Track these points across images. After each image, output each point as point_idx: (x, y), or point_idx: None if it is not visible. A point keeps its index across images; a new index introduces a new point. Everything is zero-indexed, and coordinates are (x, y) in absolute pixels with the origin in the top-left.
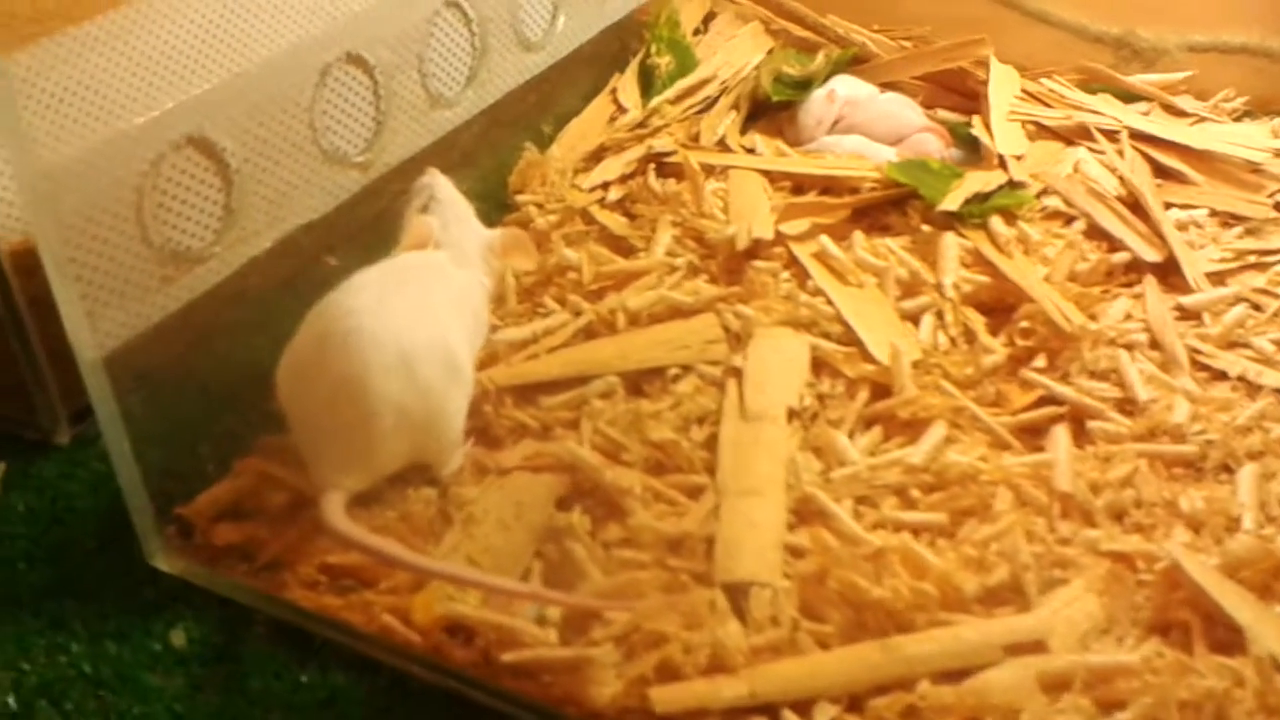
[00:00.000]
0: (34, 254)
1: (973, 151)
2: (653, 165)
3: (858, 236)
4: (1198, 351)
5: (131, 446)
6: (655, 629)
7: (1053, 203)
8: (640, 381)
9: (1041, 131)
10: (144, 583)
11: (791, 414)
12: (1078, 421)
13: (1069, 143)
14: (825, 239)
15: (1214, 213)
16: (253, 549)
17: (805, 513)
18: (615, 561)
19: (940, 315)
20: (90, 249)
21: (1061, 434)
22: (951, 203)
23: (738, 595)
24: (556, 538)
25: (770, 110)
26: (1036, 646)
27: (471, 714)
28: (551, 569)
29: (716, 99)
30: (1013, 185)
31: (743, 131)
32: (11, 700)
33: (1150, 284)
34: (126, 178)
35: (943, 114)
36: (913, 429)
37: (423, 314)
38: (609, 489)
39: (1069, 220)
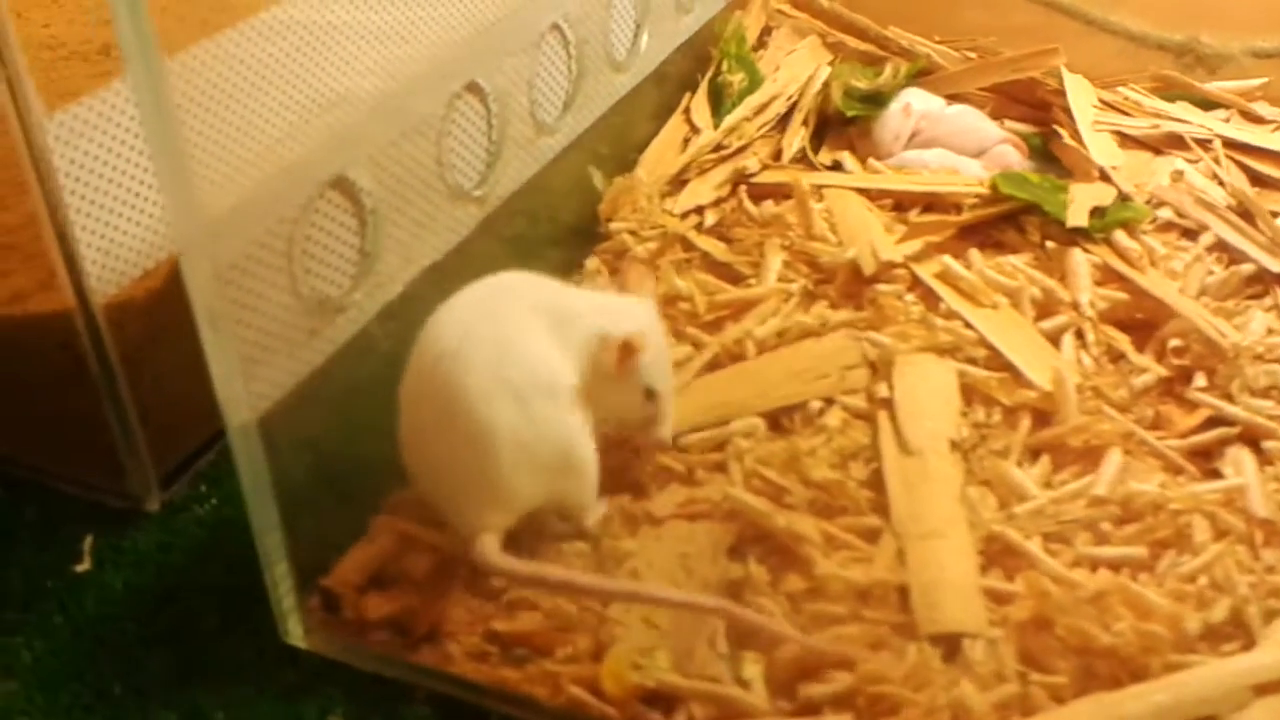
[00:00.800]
0: (128, 308)
1: (1047, 164)
2: (743, 186)
3: (975, 255)
4: None
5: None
6: (880, 690)
7: (1164, 214)
8: (779, 417)
9: (1127, 141)
10: (282, 663)
11: (952, 446)
12: (1251, 443)
13: (1157, 152)
14: (948, 259)
15: None
16: (406, 619)
17: (993, 553)
18: (806, 616)
19: (1080, 335)
20: (243, 302)
21: (1245, 457)
22: (1079, 218)
23: (946, 648)
24: (735, 592)
25: (836, 125)
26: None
27: None
28: (737, 628)
29: (787, 115)
30: (1122, 198)
31: (814, 150)
32: None
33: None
34: (280, 223)
35: (1011, 125)
36: (1084, 458)
37: (517, 339)
38: (782, 536)
39: (1184, 233)
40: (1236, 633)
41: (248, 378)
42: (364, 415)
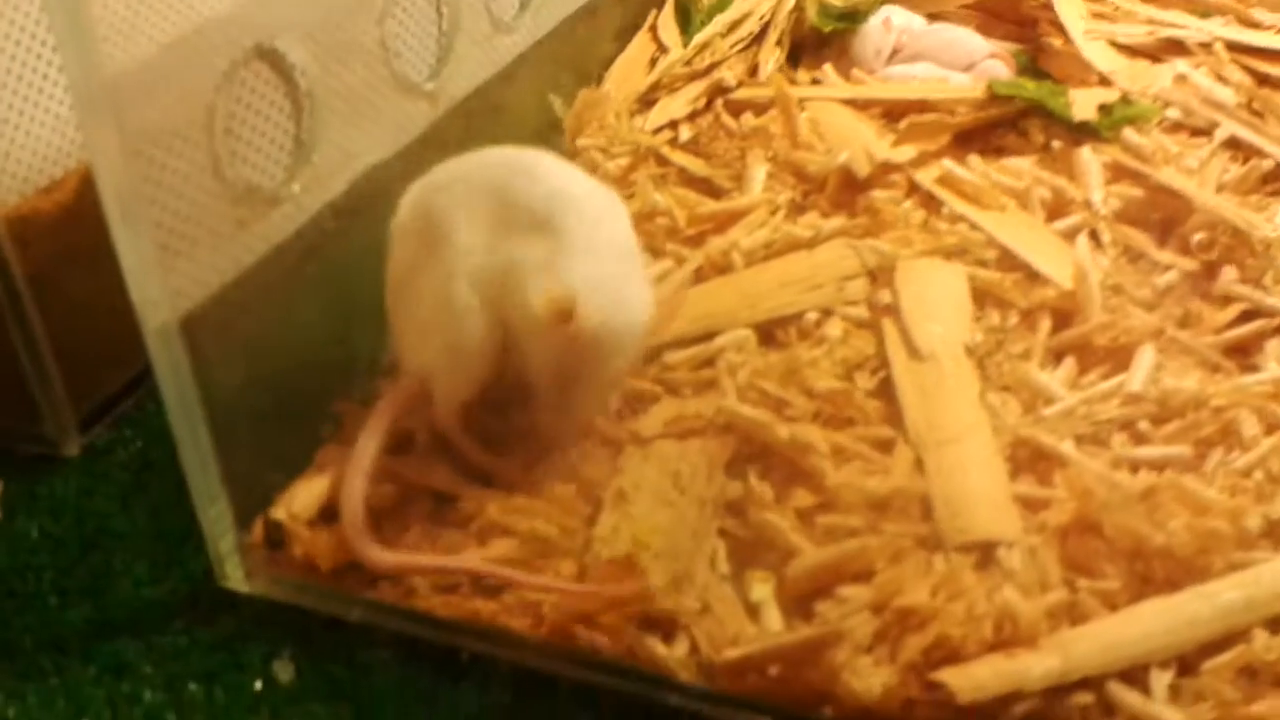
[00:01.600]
0: (33, 223)
1: (1038, 80)
2: (721, 101)
3: (975, 161)
4: None
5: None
6: (906, 603)
7: (1171, 115)
8: (772, 330)
9: (1123, 50)
10: (220, 610)
11: (967, 351)
12: None
13: (1156, 59)
14: (948, 162)
15: None
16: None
17: (1022, 459)
18: (819, 530)
19: (1095, 236)
20: (157, 180)
21: None
22: (1086, 112)
23: (978, 558)
24: (738, 511)
25: (812, 47)
26: None
27: None
28: (743, 547)
29: (761, 34)
30: (1126, 100)
31: (790, 70)
32: None
33: None
34: (198, 91)
35: (996, 44)
36: (1112, 358)
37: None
38: (785, 449)
39: (1193, 133)
40: None
41: (165, 270)
42: (307, 325)
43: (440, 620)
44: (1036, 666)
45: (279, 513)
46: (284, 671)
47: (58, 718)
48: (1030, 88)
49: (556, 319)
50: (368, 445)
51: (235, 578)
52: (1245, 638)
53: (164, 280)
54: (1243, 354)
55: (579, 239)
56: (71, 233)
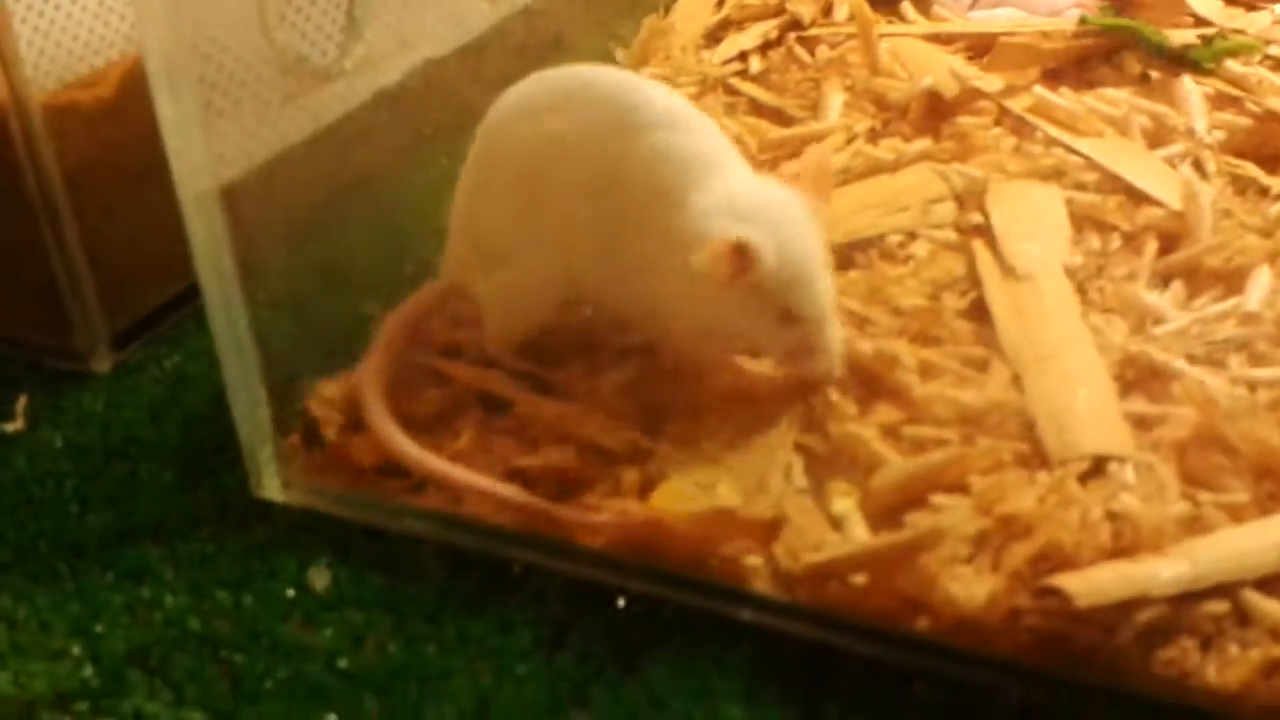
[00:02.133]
0: (73, 114)
1: None
2: (793, 36)
3: (1067, 92)
4: None
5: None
6: (1009, 511)
7: (1276, 53)
8: (851, 254)
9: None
10: (253, 519)
11: (1067, 273)
12: None
13: (1253, 8)
14: (1040, 89)
15: None
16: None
17: (1131, 380)
18: (907, 444)
19: (1199, 165)
20: (201, 33)
21: None
22: (1184, 39)
23: (1088, 474)
24: (816, 426)
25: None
26: None
27: (764, 645)
28: (822, 462)
29: None
30: (1224, 36)
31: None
32: (90, 672)
33: None
34: None
35: None
36: (1224, 281)
37: None
38: (869, 363)
39: None
40: None
41: (207, 131)
42: (354, 216)
43: (490, 529)
44: (1165, 571)
45: (317, 408)
46: (320, 579)
47: (70, 620)
48: (1124, 20)
49: (741, 265)
50: (389, 337)
51: (271, 486)
52: None
53: (205, 142)
54: None
55: (721, 160)
56: (114, 130)
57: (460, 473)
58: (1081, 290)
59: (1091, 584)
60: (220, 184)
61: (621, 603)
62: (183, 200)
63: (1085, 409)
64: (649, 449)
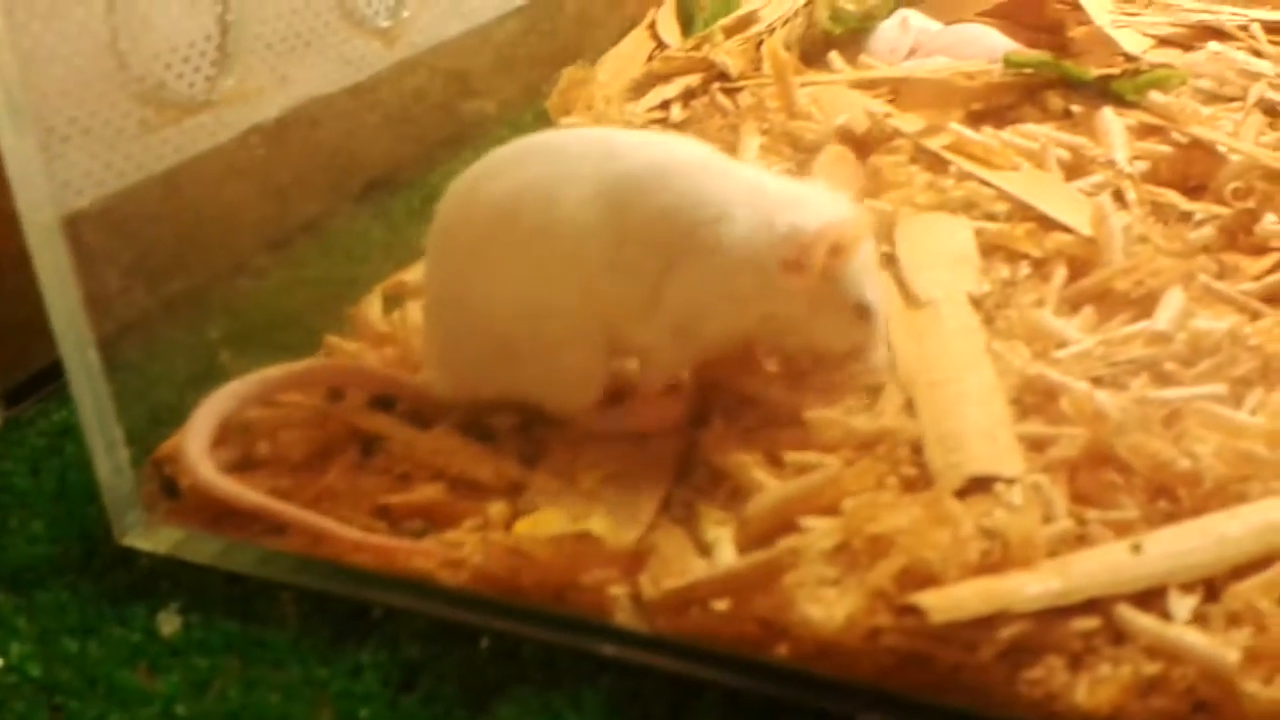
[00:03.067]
0: None
1: None
2: (717, 86)
3: (988, 130)
4: None
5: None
6: (877, 531)
7: (1205, 85)
8: None
9: (1154, 40)
10: (114, 567)
11: (972, 301)
12: None
13: (1188, 49)
14: (956, 125)
15: None
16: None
17: (1030, 403)
18: (791, 470)
19: (1120, 196)
20: (47, 66)
21: None
22: (1106, 70)
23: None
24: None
25: (822, 50)
26: None
27: (625, 680)
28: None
29: (767, 36)
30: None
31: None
32: None
33: None
34: None
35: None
36: (1136, 306)
37: None
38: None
39: (1227, 101)
40: None
41: (52, 158)
42: (217, 249)
43: (349, 571)
44: (1031, 586)
45: (167, 452)
46: (168, 624)
47: None
48: (1048, 59)
49: (837, 253)
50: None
51: (134, 533)
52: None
53: (49, 172)
54: None
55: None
56: None
57: (281, 507)
58: (989, 317)
59: (951, 600)
60: (67, 213)
61: (484, 643)
62: (27, 230)
63: (974, 431)
64: (523, 481)
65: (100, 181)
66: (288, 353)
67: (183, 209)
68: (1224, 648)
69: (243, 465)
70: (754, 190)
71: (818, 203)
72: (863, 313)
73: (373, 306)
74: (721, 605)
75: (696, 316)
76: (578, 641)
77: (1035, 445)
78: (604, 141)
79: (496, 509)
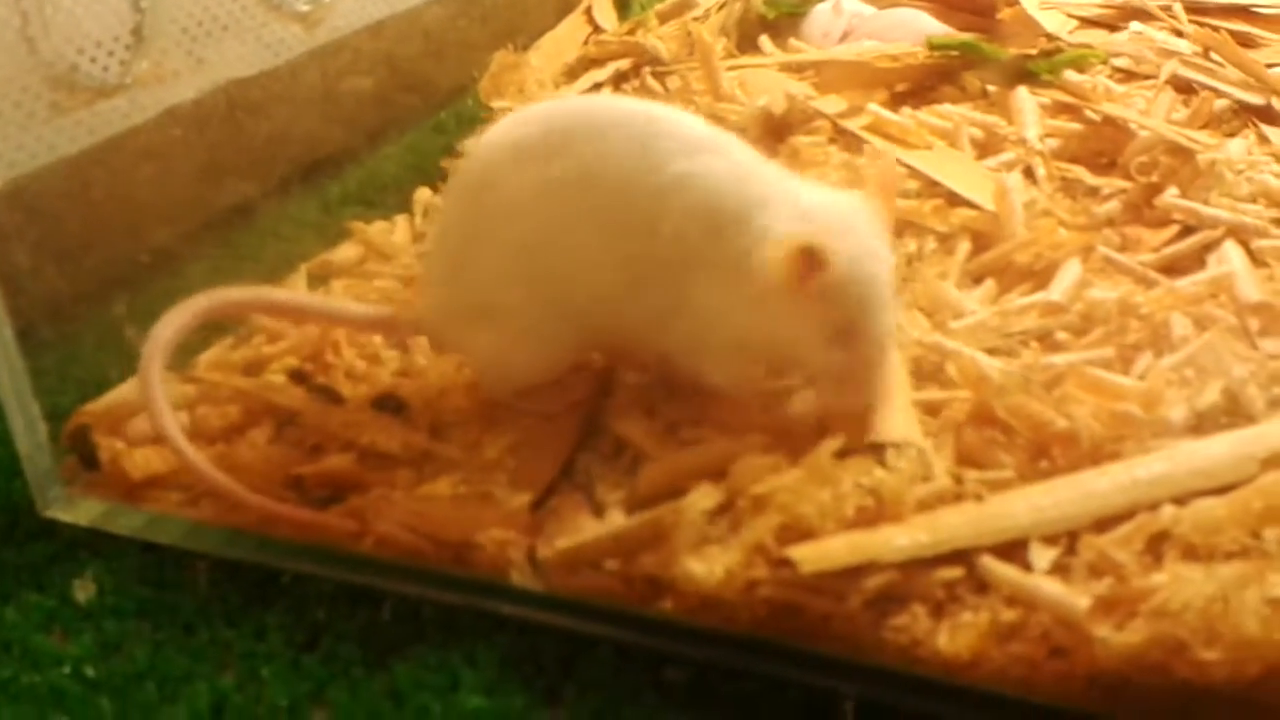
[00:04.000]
0: None
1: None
2: (647, 70)
3: (907, 111)
4: None
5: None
6: (759, 491)
7: (1123, 64)
8: None
9: (1081, 21)
10: (35, 538)
11: None
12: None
13: (1114, 29)
14: (875, 106)
15: None
16: (186, 477)
17: (926, 372)
18: (680, 442)
19: (1030, 172)
20: None
21: (1232, 248)
22: (1021, 50)
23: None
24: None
25: (758, 35)
26: None
27: (521, 638)
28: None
29: (703, 20)
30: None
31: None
32: None
33: (1264, 126)
34: None
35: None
36: (1036, 277)
37: None
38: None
39: (1144, 79)
40: (1236, 422)
41: None
42: (133, 229)
43: (259, 538)
44: (899, 539)
45: (85, 419)
46: (83, 591)
47: None
48: (969, 41)
49: (800, 269)
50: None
51: (56, 506)
52: (1152, 512)
53: None
54: (1180, 272)
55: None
56: None
57: (211, 473)
58: (896, 290)
59: (821, 553)
60: None
61: (387, 605)
62: None
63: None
64: (431, 451)
65: (12, 163)
66: (205, 330)
67: (96, 190)
68: (1075, 595)
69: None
70: (780, 198)
71: (824, 212)
72: (844, 338)
73: (298, 286)
74: (612, 564)
75: (708, 327)
76: (476, 602)
77: (929, 410)
78: (650, 135)
79: (404, 477)
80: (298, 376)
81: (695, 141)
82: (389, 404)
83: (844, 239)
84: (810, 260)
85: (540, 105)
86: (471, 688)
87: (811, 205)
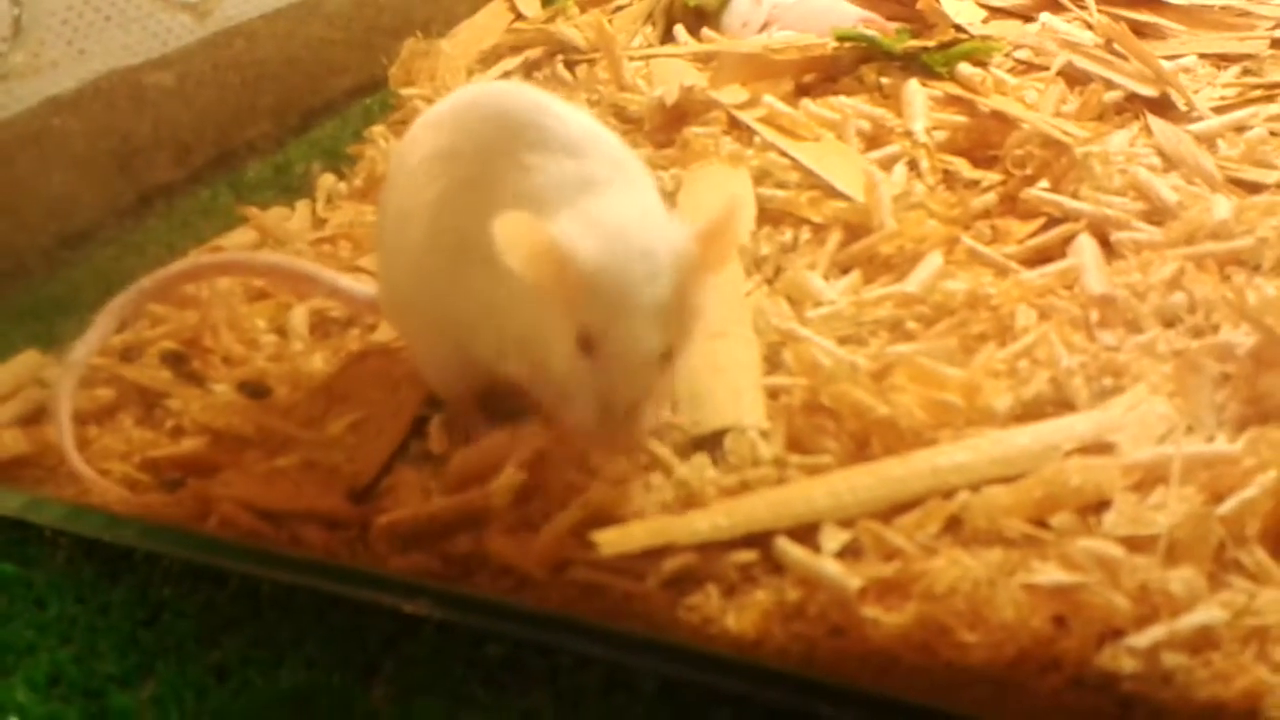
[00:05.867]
0: None
1: None
2: (560, 58)
3: (806, 103)
4: (1222, 168)
5: None
6: (571, 480)
7: (1024, 56)
8: None
9: (996, 12)
10: None
11: (751, 263)
12: (1099, 239)
13: (1028, 20)
14: (770, 98)
15: (1204, 56)
16: (48, 455)
17: (781, 360)
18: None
19: (914, 164)
20: None
21: (1086, 240)
22: (910, 43)
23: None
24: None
25: (687, 24)
26: (1106, 449)
27: (348, 613)
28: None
29: (625, 7)
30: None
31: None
32: None
33: (1150, 117)
34: None
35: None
36: (900, 269)
37: None
38: None
39: (1043, 71)
40: (1060, 412)
41: None
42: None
43: (111, 516)
44: (699, 522)
45: None
46: None
47: None
48: (864, 33)
49: (545, 266)
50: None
51: None
52: (946, 498)
53: None
54: (1044, 262)
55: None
56: None
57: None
58: (768, 278)
59: (623, 536)
60: None
61: (231, 584)
62: None
63: (724, 387)
64: (283, 432)
65: None
66: (83, 317)
67: None
68: (849, 577)
69: (35, 418)
70: (585, 207)
71: (608, 221)
72: (586, 347)
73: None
74: (434, 544)
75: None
76: (310, 581)
77: (773, 395)
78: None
79: (252, 457)
80: (169, 359)
81: (550, 141)
82: (252, 388)
83: (601, 244)
84: (553, 258)
85: (465, 89)
86: (294, 664)
87: (605, 215)
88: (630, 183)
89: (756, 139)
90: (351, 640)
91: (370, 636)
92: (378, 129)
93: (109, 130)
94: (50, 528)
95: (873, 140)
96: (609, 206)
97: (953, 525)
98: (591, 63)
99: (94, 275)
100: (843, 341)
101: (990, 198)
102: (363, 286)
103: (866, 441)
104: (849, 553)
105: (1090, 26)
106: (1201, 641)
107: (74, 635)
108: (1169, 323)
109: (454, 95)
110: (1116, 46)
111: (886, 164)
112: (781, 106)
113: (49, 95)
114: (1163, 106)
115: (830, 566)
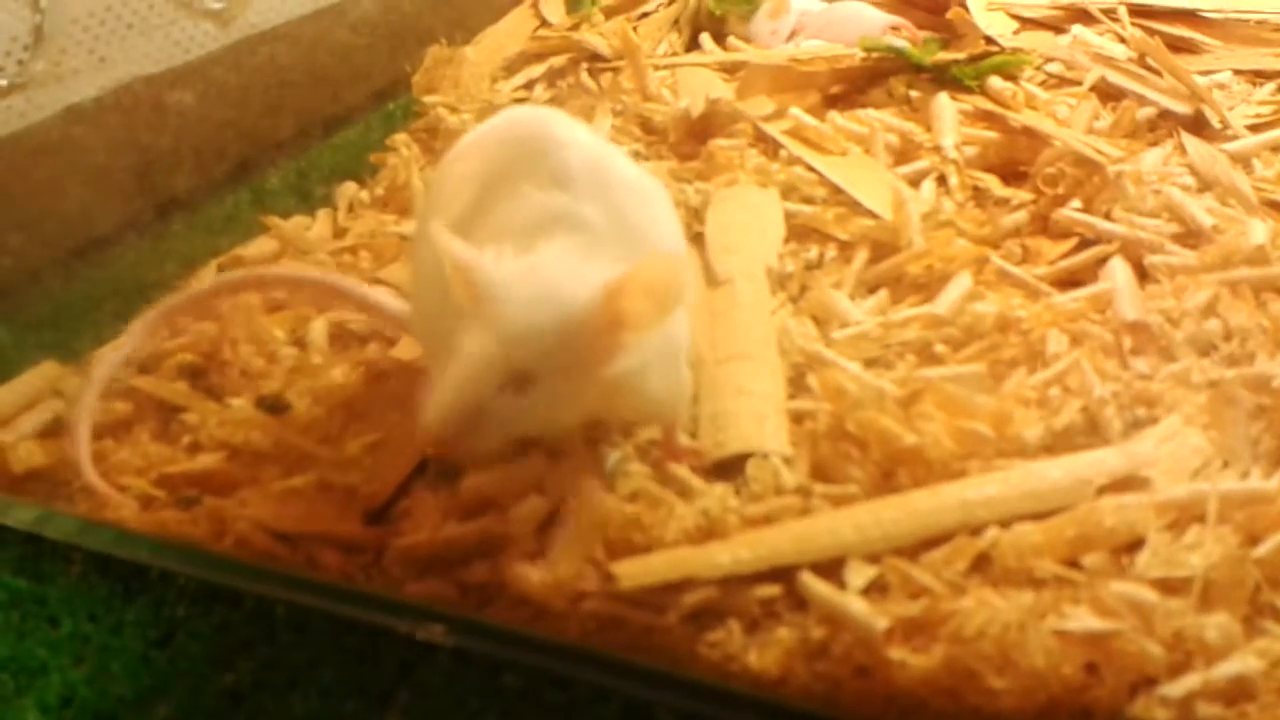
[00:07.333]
0: None
1: None
2: (585, 66)
3: (834, 115)
4: (1258, 190)
5: None
6: (592, 506)
7: (1055, 70)
8: None
9: (1027, 23)
10: None
11: (776, 281)
12: (1132, 262)
13: (1059, 31)
14: (797, 110)
15: (1239, 72)
16: (65, 471)
17: (806, 383)
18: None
19: (943, 180)
20: None
21: (1119, 264)
22: (939, 56)
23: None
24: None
25: (714, 33)
26: (1139, 484)
27: (364, 638)
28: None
29: (651, 14)
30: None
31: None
32: None
33: (1184, 135)
34: None
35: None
36: (928, 289)
37: None
38: None
39: (1076, 85)
40: (1091, 443)
41: None
42: (27, 226)
43: (128, 533)
44: (721, 555)
45: None
46: None
47: None
48: (897, 44)
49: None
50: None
51: None
52: (975, 535)
53: None
54: (1077, 286)
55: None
56: None
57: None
58: (793, 297)
59: (643, 568)
60: None
61: (247, 605)
62: None
63: (746, 410)
64: (300, 449)
65: None
66: (101, 328)
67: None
68: (874, 616)
69: (53, 430)
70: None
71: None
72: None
73: (207, 281)
74: (450, 570)
75: None
76: (325, 604)
77: (797, 419)
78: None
79: (270, 474)
80: (187, 373)
81: (547, 172)
82: (270, 404)
83: (510, 267)
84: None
85: (506, 111)
86: (307, 690)
87: (540, 250)
88: (613, 224)
89: (783, 152)
90: (366, 666)
91: (385, 663)
92: (400, 137)
93: (130, 139)
94: (64, 543)
95: (901, 155)
96: (551, 245)
97: (981, 563)
98: (616, 71)
99: (114, 284)
100: (869, 364)
101: (1021, 216)
102: (398, 303)
103: (893, 471)
104: (875, 589)
105: (1123, 40)
106: (1236, 692)
107: (87, 655)
108: (1203, 351)
109: (494, 117)
110: (1150, 61)
111: (915, 180)
112: (808, 119)
113: (70, 104)
114: (1197, 124)
115: (856, 604)
